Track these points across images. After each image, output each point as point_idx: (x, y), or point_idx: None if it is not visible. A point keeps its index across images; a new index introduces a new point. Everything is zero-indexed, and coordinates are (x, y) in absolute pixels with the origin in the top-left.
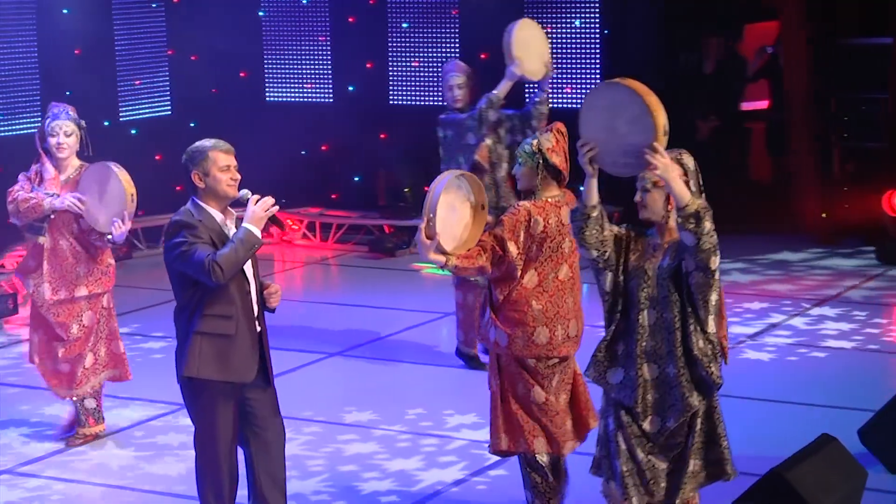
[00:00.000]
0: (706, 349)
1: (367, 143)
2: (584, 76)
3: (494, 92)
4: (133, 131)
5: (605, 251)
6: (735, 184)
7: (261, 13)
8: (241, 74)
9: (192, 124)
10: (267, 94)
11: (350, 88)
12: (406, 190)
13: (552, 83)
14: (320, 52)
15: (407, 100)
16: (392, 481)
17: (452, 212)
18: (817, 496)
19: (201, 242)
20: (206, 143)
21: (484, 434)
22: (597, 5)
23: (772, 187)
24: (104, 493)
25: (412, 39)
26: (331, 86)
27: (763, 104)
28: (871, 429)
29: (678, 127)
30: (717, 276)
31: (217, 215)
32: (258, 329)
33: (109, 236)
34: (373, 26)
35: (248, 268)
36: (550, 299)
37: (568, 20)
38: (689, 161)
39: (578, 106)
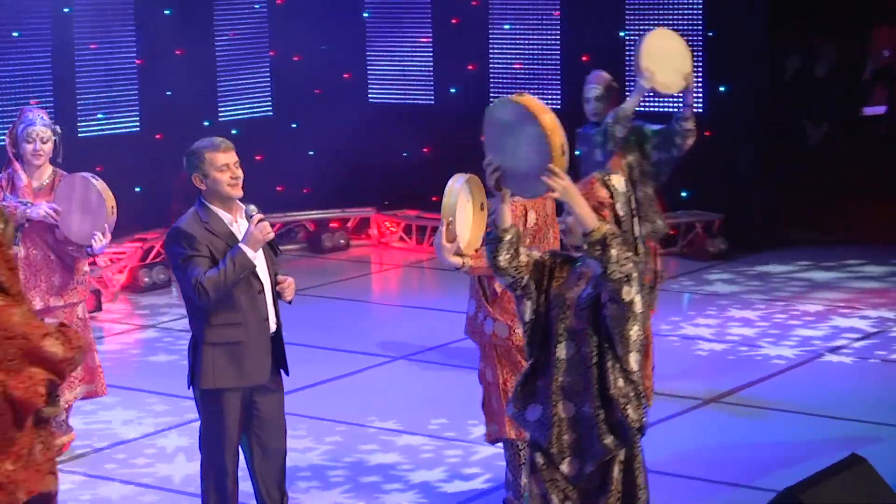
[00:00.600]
0: (626, 389)
1: (468, 145)
2: None
3: (622, 106)
4: (234, 131)
5: (522, 277)
6: (849, 192)
7: (365, 14)
8: (346, 76)
9: (293, 125)
10: (370, 95)
11: (452, 90)
12: None
13: None
14: (423, 54)
15: None
16: (415, 493)
17: (461, 213)
18: None
19: (198, 257)
20: (204, 142)
21: None
22: (700, 5)
23: (887, 196)
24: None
25: (514, 41)
26: (433, 87)
27: (882, 109)
28: None
29: (786, 132)
30: (635, 308)
31: (224, 216)
32: (272, 329)
33: (88, 248)
34: (475, 28)
35: (261, 266)
36: None
37: (671, 22)
38: (618, 183)
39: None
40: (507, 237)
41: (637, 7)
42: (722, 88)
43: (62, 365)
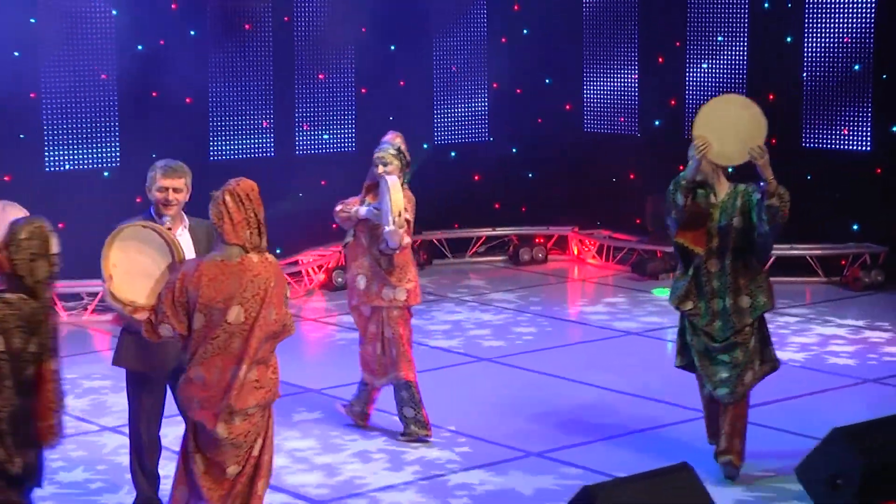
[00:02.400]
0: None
1: (667, 173)
2: None
3: (682, 173)
4: (452, 154)
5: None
6: None
7: (583, 51)
8: (567, 107)
9: (513, 150)
10: (585, 125)
11: (656, 123)
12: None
13: None
14: (630, 88)
15: None
16: (321, 474)
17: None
18: None
19: None
20: (159, 163)
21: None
22: (872, 49)
23: None
24: None
25: (708, 79)
26: (638, 120)
27: None
28: (805, 466)
29: None
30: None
31: (164, 221)
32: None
33: None
34: (676, 66)
35: None
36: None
37: (846, 64)
38: (20, 233)
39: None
40: None
41: (816, 49)
42: (894, 129)
43: None
